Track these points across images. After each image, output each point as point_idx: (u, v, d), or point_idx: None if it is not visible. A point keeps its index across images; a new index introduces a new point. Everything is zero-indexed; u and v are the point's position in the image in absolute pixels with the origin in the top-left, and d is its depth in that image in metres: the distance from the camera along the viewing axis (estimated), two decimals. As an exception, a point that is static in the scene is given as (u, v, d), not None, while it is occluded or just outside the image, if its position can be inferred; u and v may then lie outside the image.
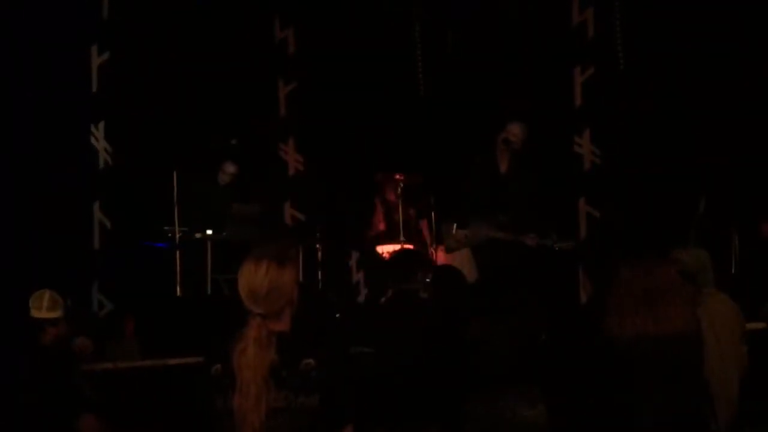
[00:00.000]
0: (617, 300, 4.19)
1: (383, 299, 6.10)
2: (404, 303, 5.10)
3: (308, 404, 2.96)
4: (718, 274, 4.95)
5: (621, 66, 8.91)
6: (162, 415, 5.86)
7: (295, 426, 2.95)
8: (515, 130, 7.24)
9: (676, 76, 8.62)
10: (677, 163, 8.40)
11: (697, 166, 8.17)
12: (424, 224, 8.50)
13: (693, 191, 7.95)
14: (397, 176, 8.19)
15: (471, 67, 9.16)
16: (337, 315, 7.03)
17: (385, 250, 8.23)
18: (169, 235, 7.99)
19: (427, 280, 5.32)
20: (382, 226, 8.50)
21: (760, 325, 6.14)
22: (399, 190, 8.18)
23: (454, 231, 7.34)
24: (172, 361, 6.32)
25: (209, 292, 7.99)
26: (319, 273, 8.51)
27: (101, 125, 8.55)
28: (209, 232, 8.00)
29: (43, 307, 5.31)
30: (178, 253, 7.96)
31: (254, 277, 3.03)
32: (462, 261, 7.34)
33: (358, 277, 9.23)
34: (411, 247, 7.99)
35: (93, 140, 8.54)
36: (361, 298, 9.00)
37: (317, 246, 8.51)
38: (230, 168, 8.50)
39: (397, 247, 7.95)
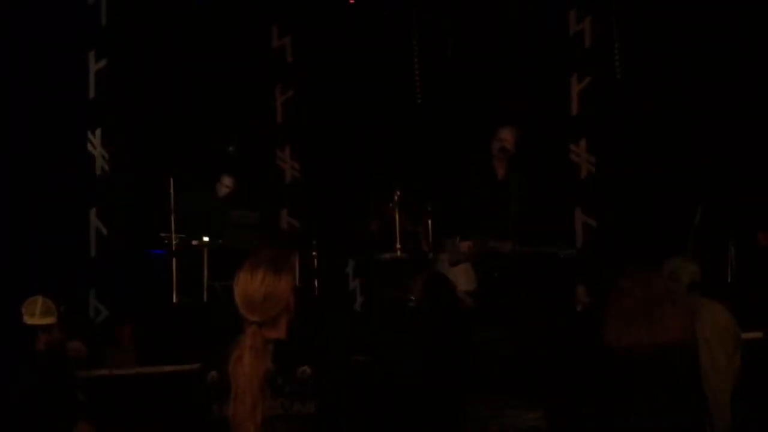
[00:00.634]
0: (615, 309, 4.19)
1: (379, 306, 6.10)
2: (399, 310, 5.10)
3: (304, 411, 2.95)
4: (714, 283, 4.96)
5: (618, 75, 8.92)
6: (157, 422, 5.85)
7: (291, 434, 2.95)
8: (507, 136, 7.24)
9: (672, 85, 8.64)
10: (674, 172, 8.40)
11: (694, 175, 8.18)
12: (421, 232, 8.49)
13: (690, 200, 7.95)
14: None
15: (469, 72, 9.17)
16: (334, 322, 7.02)
17: (381, 257, 8.22)
18: (166, 242, 7.99)
19: (419, 287, 5.31)
20: (378, 234, 8.49)
21: (757, 334, 6.14)
22: (396, 197, 8.17)
23: (457, 244, 7.29)
24: (168, 368, 6.31)
25: (205, 299, 7.98)
26: (316, 280, 8.50)
27: (98, 131, 8.55)
28: (206, 239, 8.00)
29: (36, 313, 5.27)
30: (174, 260, 7.95)
31: (250, 284, 3.02)
32: (463, 270, 7.30)
33: (354, 284, 9.22)
34: (407, 255, 7.98)
35: (90, 146, 8.52)
36: (357, 306, 8.98)
37: (314, 253, 8.50)
38: (228, 181, 8.57)
39: (395, 254, 7.94)
